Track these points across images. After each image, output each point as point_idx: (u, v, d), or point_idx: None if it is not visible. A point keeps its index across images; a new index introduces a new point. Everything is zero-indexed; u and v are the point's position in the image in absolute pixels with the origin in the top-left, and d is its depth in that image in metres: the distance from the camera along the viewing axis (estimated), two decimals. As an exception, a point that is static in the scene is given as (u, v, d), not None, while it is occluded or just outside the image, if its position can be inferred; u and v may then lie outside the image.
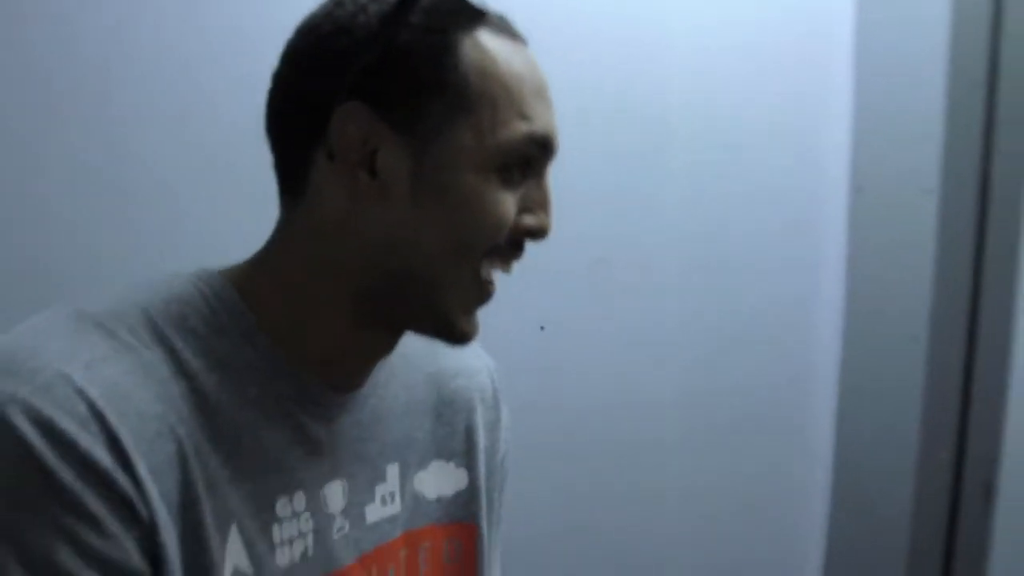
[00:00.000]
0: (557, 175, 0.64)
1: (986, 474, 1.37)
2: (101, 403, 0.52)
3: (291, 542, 0.62)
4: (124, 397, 0.53)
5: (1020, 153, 1.30)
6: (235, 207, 0.95)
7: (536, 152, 0.61)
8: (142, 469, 0.53)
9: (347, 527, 0.66)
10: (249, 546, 0.59)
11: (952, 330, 1.32)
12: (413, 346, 0.69)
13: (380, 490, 0.69)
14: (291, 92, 0.61)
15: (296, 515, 0.62)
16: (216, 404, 0.58)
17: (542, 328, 1.22)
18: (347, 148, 0.59)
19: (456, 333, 0.63)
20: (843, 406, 1.39)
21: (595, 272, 1.24)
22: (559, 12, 1.17)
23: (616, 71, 1.22)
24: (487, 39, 0.60)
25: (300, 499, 0.62)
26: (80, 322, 0.56)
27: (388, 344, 0.67)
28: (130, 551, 0.52)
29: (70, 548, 0.50)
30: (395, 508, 0.70)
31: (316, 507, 0.64)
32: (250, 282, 0.62)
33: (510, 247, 0.62)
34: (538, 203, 0.62)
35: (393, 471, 0.70)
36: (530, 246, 0.63)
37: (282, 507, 0.61)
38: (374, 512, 0.68)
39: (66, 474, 0.50)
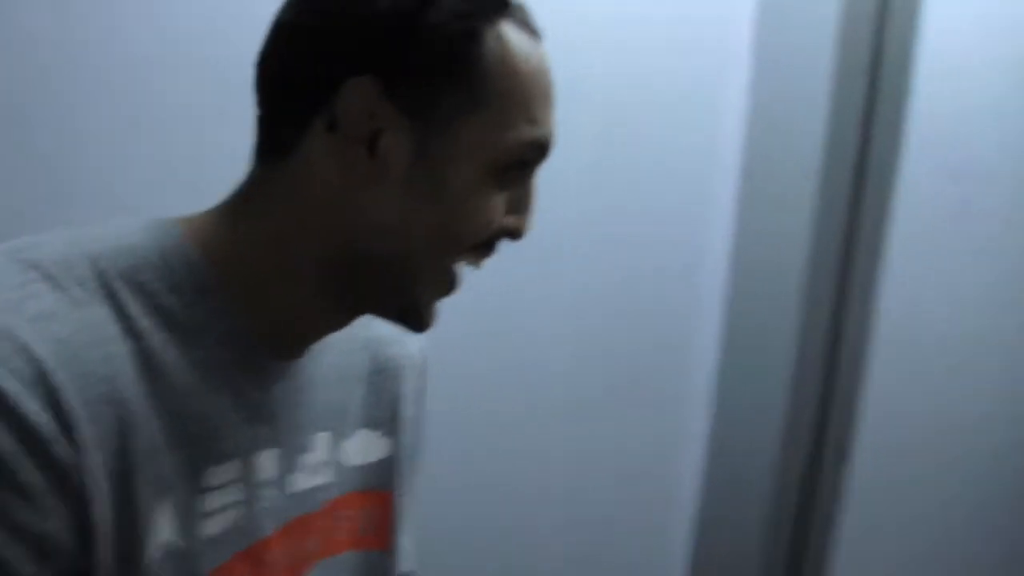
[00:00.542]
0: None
1: (841, 438, 1.51)
2: (48, 363, 0.48)
3: (223, 511, 0.60)
4: (72, 358, 0.50)
5: (894, 145, 1.42)
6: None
7: (534, 156, 0.60)
8: (84, 438, 0.49)
9: (275, 496, 0.64)
10: (180, 516, 0.57)
11: (820, 310, 1.43)
12: None
13: (310, 459, 0.67)
14: (299, 50, 0.57)
15: (229, 484, 0.60)
16: (161, 366, 0.55)
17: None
18: (351, 123, 0.56)
19: (419, 322, 0.62)
20: (722, 370, 1.48)
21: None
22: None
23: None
24: (510, 33, 0.57)
25: (234, 467, 0.60)
26: (26, 270, 0.52)
27: (341, 323, 0.65)
28: (60, 526, 0.49)
29: None
30: (323, 477, 0.69)
31: (248, 476, 0.61)
32: (211, 237, 0.58)
33: (485, 245, 0.61)
34: (523, 205, 0.62)
35: (324, 440, 0.68)
36: None
37: (216, 476, 0.59)
38: (302, 481, 0.67)
39: (3, 440, 0.46)
